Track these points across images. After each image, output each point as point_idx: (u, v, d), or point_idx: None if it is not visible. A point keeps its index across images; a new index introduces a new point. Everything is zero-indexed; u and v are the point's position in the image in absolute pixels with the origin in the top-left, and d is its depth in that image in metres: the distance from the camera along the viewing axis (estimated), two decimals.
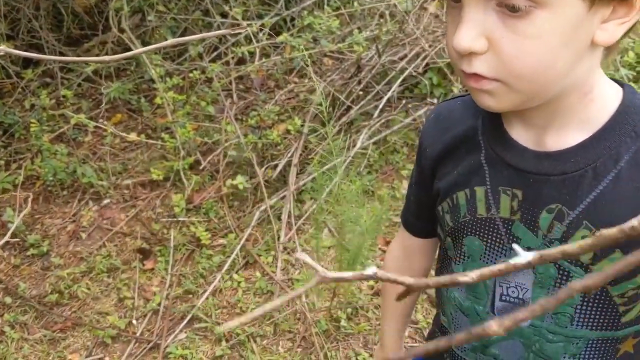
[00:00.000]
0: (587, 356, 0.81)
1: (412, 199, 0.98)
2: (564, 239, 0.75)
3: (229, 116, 2.91)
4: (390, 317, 1.12)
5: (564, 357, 0.81)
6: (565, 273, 0.76)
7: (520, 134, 0.78)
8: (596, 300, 0.77)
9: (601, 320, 0.78)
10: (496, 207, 0.79)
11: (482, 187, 0.80)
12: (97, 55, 3.43)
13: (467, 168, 0.82)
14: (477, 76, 0.67)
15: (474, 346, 0.87)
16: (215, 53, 3.40)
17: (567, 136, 0.74)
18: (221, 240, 2.52)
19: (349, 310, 2.18)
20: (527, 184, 0.76)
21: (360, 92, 2.89)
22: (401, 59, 2.87)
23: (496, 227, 0.80)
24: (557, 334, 0.79)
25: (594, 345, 0.80)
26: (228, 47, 3.39)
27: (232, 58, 3.31)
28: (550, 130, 0.75)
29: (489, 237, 0.81)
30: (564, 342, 0.80)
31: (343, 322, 2.14)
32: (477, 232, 0.82)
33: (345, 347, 2.09)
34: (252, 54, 3.20)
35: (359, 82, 2.86)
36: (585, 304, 0.77)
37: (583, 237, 0.73)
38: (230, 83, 3.33)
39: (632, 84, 2.92)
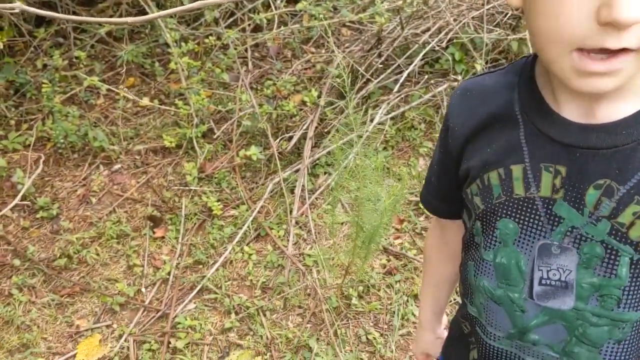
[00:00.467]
0: (631, 341, 0.77)
1: (434, 180, 0.93)
2: (612, 216, 0.71)
3: (244, 85, 2.85)
4: (426, 292, 1.09)
5: (609, 343, 0.77)
6: (614, 252, 0.72)
7: (566, 107, 0.72)
8: None
9: None
10: (536, 185, 0.75)
11: (520, 165, 0.76)
12: (111, 16, 3.36)
13: (502, 145, 0.77)
14: (612, 56, 0.60)
15: (510, 333, 0.82)
16: (231, 19, 3.32)
17: (619, 108, 0.70)
18: (233, 211, 2.48)
19: (361, 288, 2.15)
20: (573, 159, 0.72)
21: (380, 66, 2.81)
22: (424, 32, 2.78)
23: (535, 207, 0.75)
24: (603, 317, 0.75)
25: (637, 327, 0.77)
26: (245, 13, 3.31)
27: (249, 25, 3.23)
28: (602, 101, 0.70)
29: (526, 218, 0.76)
30: (609, 326, 0.76)
31: (354, 300, 2.11)
32: (513, 214, 0.77)
33: (356, 325, 2.06)
34: (269, 21, 3.12)
35: (379, 55, 2.78)
36: (633, 285, 0.73)
37: (634, 214, 0.70)
38: (246, 50, 3.25)
39: None
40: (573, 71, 0.64)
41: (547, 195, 0.74)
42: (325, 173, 2.59)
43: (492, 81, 0.82)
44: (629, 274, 0.72)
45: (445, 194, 0.92)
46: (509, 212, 0.78)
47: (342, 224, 2.41)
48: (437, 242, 1.04)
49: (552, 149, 0.73)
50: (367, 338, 2.02)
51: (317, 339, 2.02)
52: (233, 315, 2.10)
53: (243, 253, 2.31)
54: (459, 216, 0.92)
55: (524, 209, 0.77)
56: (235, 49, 2.96)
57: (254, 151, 2.55)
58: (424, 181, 0.98)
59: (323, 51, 3.30)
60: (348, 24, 3.40)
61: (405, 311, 2.08)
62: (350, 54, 2.89)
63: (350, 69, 2.78)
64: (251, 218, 2.38)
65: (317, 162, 2.61)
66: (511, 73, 0.80)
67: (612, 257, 0.72)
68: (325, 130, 2.67)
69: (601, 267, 0.73)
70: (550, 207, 0.75)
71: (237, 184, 2.58)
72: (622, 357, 0.78)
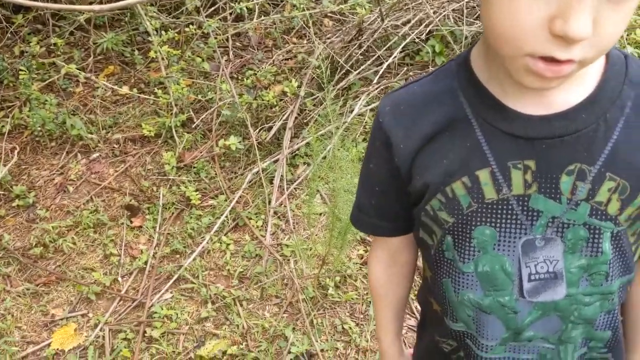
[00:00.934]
0: (617, 308, 0.80)
1: (375, 202, 0.89)
2: (590, 197, 0.72)
3: (225, 74, 2.84)
4: (388, 323, 1.03)
5: (601, 316, 0.80)
6: (597, 230, 0.74)
7: (520, 101, 0.72)
8: (619, 248, 0.76)
9: (623, 266, 0.77)
10: (508, 185, 0.74)
11: (486, 168, 0.74)
12: (91, 2, 3.32)
13: (460, 153, 0.75)
14: (559, 64, 0.62)
15: (504, 338, 0.82)
16: (212, 8, 3.30)
17: (571, 93, 0.72)
18: (211, 201, 2.48)
19: (337, 278, 2.16)
20: (540, 152, 0.72)
21: (360, 57, 2.81)
22: (404, 24, 2.79)
23: (510, 207, 0.75)
24: (594, 295, 0.77)
25: (620, 294, 0.80)
26: (226, 2, 3.29)
27: (230, 14, 3.22)
28: (555, 90, 0.71)
29: (503, 220, 0.75)
30: (600, 300, 0.78)
31: (331, 290, 2.12)
32: (488, 220, 0.76)
33: (332, 315, 2.08)
34: (250, 10, 3.10)
35: (360, 46, 2.79)
36: (615, 255, 0.76)
37: (609, 190, 0.72)
38: (227, 40, 3.24)
39: None
40: (524, 70, 0.65)
41: (521, 193, 0.74)
42: (304, 164, 2.59)
43: (423, 90, 0.79)
44: (611, 247, 0.75)
45: (390, 213, 0.88)
46: (483, 219, 0.76)
47: (320, 214, 2.42)
48: (387, 268, 0.98)
49: (516, 145, 0.73)
50: (343, 328, 2.03)
51: (293, 328, 2.03)
52: (209, 305, 2.10)
53: (221, 243, 2.31)
54: (407, 231, 0.90)
55: (499, 211, 0.75)
56: (216, 38, 2.95)
57: (233, 141, 2.54)
58: (355, 206, 0.92)
59: (305, 41, 3.29)
60: (330, 14, 3.39)
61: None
62: (331, 45, 2.89)
63: (330, 60, 2.78)
64: (229, 208, 2.38)
65: (297, 152, 2.61)
66: (444, 78, 0.78)
67: (596, 235, 0.74)
68: (305, 121, 2.67)
69: (587, 248, 0.75)
70: (525, 203, 0.74)
71: (215, 174, 2.58)
72: (612, 324, 0.81)
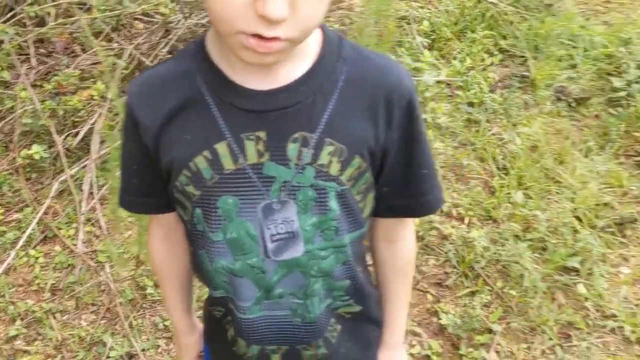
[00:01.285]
0: (352, 259, 0.90)
1: (136, 181, 0.92)
2: (314, 161, 0.81)
3: (25, 82, 2.68)
4: (174, 298, 1.06)
5: (337, 268, 0.88)
6: (323, 190, 0.82)
7: (249, 79, 0.80)
8: (346, 205, 0.85)
9: (353, 222, 0.87)
10: (243, 155, 0.81)
11: (223, 142, 0.81)
12: None
13: (199, 130, 0.82)
14: (267, 40, 0.70)
15: (257, 297, 0.88)
16: (10, 14, 3.10)
17: (293, 69, 0.80)
18: (16, 215, 2.34)
19: (155, 277, 2.15)
20: (268, 123, 0.80)
21: (169, 56, 2.81)
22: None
23: (247, 175, 0.82)
24: (328, 249, 0.86)
25: (353, 247, 0.89)
26: (24, 7, 3.11)
27: (30, 18, 3.04)
28: (277, 67, 0.80)
29: (242, 188, 0.83)
30: (334, 253, 0.87)
31: (150, 290, 2.10)
32: (229, 189, 0.82)
33: (152, 314, 2.06)
34: (49, 14, 2.96)
35: (166, 45, 2.79)
36: (343, 212, 0.85)
37: (329, 153, 0.81)
38: (28, 47, 3.06)
39: (427, 52, 3.15)
40: (240, 47, 0.73)
41: (255, 162, 0.81)
42: (117, 166, 2.54)
43: (166, 72, 0.85)
44: (338, 205, 0.84)
45: (153, 189, 0.92)
46: (225, 189, 0.83)
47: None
48: (164, 244, 1.01)
49: (248, 119, 0.80)
50: (164, 325, 2.03)
51: (112, 333, 1.99)
52: (18, 322, 1.99)
53: (29, 257, 2.19)
54: (172, 209, 0.93)
55: (238, 180, 0.82)
56: (11, 44, 2.77)
57: (36, 150, 2.42)
58: (120, 189, 0.96)
59: (115, 45, 3.21)
60: (140, 17, 3.34)
61: (201, 293, 2.12)
62: (138, 47, 2.85)
63: (137, 62, 2.74)
64: (36, 220, 2.27)
65: (109, 156, 2.54)
66: (184, 60, 0.84)
67: (322, 195, 0.83)
68: (115, 122, 2.61)
69: (316, 207, 0.83)
70: (260, 171, 0.82)
71: (20, 187, 2.44)
72: (349, 274, 0.91)
